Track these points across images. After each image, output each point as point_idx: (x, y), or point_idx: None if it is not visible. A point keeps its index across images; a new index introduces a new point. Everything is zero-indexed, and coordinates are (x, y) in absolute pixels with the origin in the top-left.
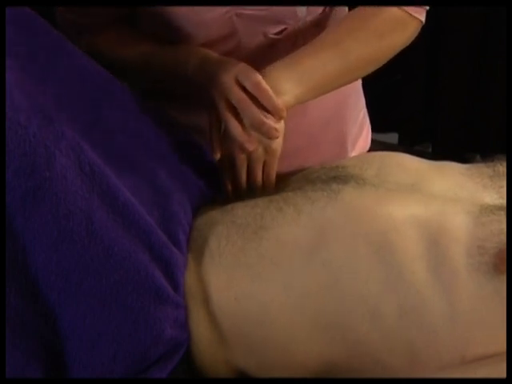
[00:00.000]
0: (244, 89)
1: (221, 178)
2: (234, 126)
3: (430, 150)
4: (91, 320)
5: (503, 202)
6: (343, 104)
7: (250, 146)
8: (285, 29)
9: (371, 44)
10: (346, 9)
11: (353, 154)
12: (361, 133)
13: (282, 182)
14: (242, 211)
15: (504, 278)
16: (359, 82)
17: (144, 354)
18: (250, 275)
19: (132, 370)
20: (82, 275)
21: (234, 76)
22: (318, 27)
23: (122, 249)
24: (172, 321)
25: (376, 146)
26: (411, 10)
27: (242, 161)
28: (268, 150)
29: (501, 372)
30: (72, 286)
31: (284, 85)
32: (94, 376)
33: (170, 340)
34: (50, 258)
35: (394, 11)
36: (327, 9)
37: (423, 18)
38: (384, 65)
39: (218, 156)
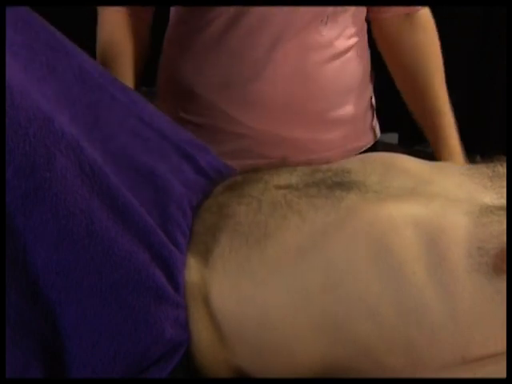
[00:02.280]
0: None
1: None
2: None
3: (430, 150)
4: (91, 319)
5: (503, 201)
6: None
7: None
8: None
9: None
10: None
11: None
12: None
13: (288, 172)
14: (245, 218)
15: (504, 278)
16: (366, 76)
17: (144, 354)
18: (253, 281)
19: (132, 370)
20: (83, 275)
21: None
22: None
23: (122, 249)
24: (172, 321)
25: (376, 146)
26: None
27: None
28: None
29: (501, 372)
30: (72, 285)
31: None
32: (94, 375)
33: (170, 340)
34: (51, 258)
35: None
36: None
37: None
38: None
39: None
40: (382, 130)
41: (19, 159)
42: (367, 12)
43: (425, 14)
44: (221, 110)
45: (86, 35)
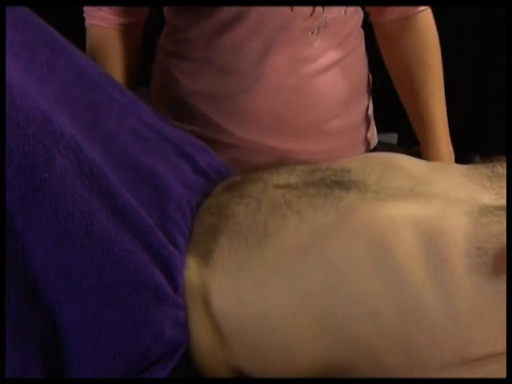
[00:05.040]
0: None
1: None
2: None
3: None
4: (91, 319)
5: (503, 202)
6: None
7: None
8: None
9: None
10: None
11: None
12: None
13: (287, 172)
14: (244, 218)
15: (504, 278)
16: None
17: (144, 354)
18: (253, 282)
19: (132, 370)
20: (82, 275)
21: None
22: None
23: (121, 249)
24: (172, 321)
25: (376, 146)
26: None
27: None
28: None
29: (501, 372)
30: (72, 285)
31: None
32: (94, 375)
33: (169, 340)
34: (50, 258)
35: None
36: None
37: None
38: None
39: None
40: (382, 130)
41: (19, 159)
42: (368, 15)
43: (424, 17)
44: (212, 120)
45: (84, 35)
